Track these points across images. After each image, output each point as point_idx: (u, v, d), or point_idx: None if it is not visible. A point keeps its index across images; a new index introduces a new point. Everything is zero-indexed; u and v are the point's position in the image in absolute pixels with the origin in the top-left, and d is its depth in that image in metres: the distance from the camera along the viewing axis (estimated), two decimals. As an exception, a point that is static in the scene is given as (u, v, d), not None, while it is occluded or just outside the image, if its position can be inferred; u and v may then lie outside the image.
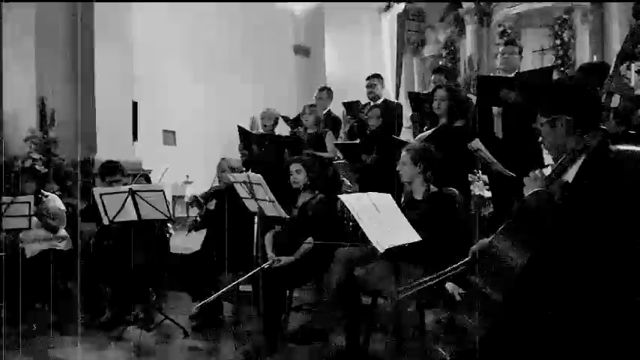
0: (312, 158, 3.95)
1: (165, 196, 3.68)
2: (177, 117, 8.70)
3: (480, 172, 4.95)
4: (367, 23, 8.95)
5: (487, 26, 8.44)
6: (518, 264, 1.97)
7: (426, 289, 2.37)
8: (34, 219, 4.17)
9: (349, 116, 5.77)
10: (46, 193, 4.54)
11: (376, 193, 2.60)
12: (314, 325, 3.71)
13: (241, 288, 3.64)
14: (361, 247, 3.18)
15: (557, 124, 2.03)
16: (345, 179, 5.26)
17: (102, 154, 5.87)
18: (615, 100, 3.55)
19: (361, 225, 2.34)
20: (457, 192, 3.06)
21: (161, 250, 4.40)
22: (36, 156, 5.61)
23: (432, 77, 5.46)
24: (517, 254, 1.99)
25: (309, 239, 3.49)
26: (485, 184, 5.00)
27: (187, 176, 8.61)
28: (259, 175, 3.36)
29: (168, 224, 4.49)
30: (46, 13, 6.07)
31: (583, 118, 2.01)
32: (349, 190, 4.96)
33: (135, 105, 6.92)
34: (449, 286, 2.52)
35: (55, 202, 4.50)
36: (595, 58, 6.65)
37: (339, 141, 5.43)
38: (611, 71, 3.78)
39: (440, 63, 8.92)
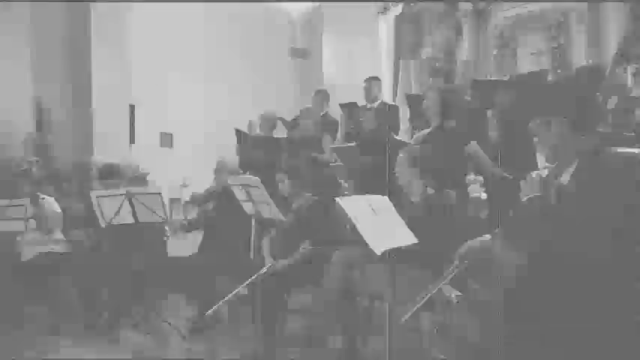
0: (297, 164, 3.97)
1: (162, 199, 3.68)
2: (175, 119, 8.69)
3: (474, 174, 4.96)
4: (364, 26, 8.96)
5: (484, 29, 8.48)
6: (514, 267, 1.97)
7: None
8: (31, 222, 4.16)
9: (347, 118, 5.77)
10: (42, 195, 4.53)
11: (373, 195, 2.60)
12: (311, 328, 3.71)
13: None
14: (358, 249, 3.18)
15: (553, 125, 2.02)
16: (342, 182, 5.26)
17: (99, 157, 5.86)
18: (612, 103, 3.56)
19: (358, 227, 2.34)
20: (454, 194, 3.07)
21: (158, 252, 4.39)
22: (32, 158, 5.60)
23: (430, 80, 5.48)
24: (514, 258, 1.99)
25: (306, 242, 3.49)
26: (481, 186, 5.01)
27: (184, 179, 8.59)
28: (256, 177, 3.36)
29: (166, 227, 4.49)
30: (42, 14, 6.06)
31: (579, 119, 2.01)
32: (346, 193, 4.96)
33: (132, 107, 6.90)
34: (445, 289, 2.52)
35: (51, 204, 4.49)
36: (591, 61, 6.67)
37: (336, 144, 5.43)
38: (607, 74, 3.79)
39: (437, 65, 8.96)
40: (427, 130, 4.14)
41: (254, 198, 3.36)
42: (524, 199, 2.02)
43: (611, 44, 5.83)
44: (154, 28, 8.11)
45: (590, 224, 1.84)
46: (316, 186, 3.80)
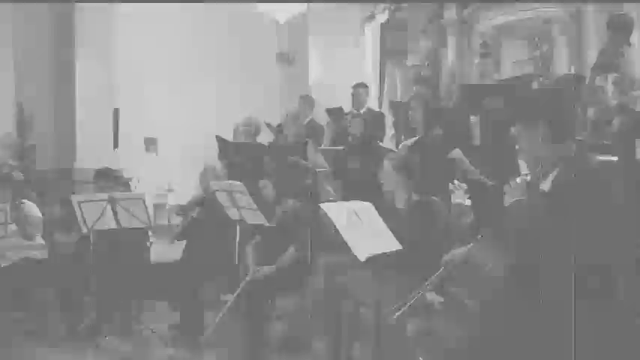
0: (282, 170, 3.98)
1: (145, 204, 3.65)
2: (160, 124, 8.63)
3: (458, 181, 5.01)
4: (351, 32, 9.02)
5: (468, 36, 8.60)
6: (496, 273, 1.99)
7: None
8: (10, 227, 4.09)
9: (333, 123, 5.80)
10: (22, 200, 4.46)
11: (358, 201, 2.62)
12: (296, 333, 3.70)
13: (223, 297, 3.62)
14: (342, 255, 3.18)
15: (535, 131, 2.04)
16: (328, 187, 5.26)
17: (82, 162, 5.79)
18: (591, 112, 3.63)
19: (342, 233, 2.35)
20: (438, 200, 3.09)
21: (141, 258, 4.34)
22: (13, 163, 5.51)
23: (414, 88, 5.54)
24: (496, 263, 2.02)
25: (290, 248, 3.49)
26: (465, 192, 5.06)
27: (169, 184, 8.52)
28: (240, 182, 3.35)
29: (149, 232, 4.44)
30: (25, 16, 5.99)
31: (559, 126, 2.04)
32: (332, 199, 4.96)
33: (116, 112, 6.84)
34: (428, 295, 2.54)
35: (31, 209, 4.42)
36: (573, 70, 6.79)
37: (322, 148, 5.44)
38: (586, 83, 3.87)
39: (422, 72, 9.05)
40: (412, 140, 4.17)
41: (238, 204, 3.35)
42: (509, 202, 2.04)
43: (592, 54, 5.95)
44: (139, 31, 8.06)
45: (569, 229, 1.86)
46: (300, 191, 3.80)
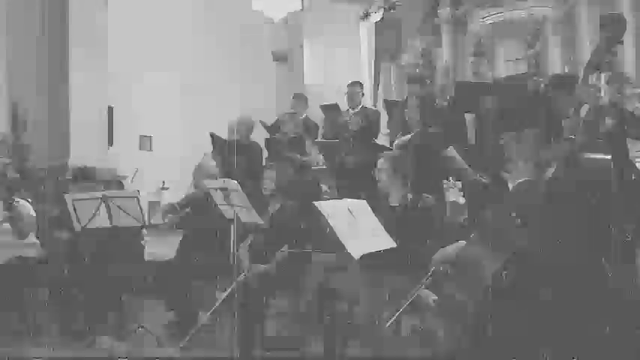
0: (284, 163, 3.97)
1: (139, 203, 3.64)
2: (154, 122, 8.61)
3: (453, 179, 5.02)
4: (346, 31, 9.03)
5: (463, 35, 8.64)
6: (490, 270, 2.00)
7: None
8: (3, 225, 4.07)
9: (328, 120, 5.80)
10: (16, 198, 4.43)
11: (352, 199, 2.62)
12: (290, 332, 3.70)
13: (216, 295, 3.62)
14: (337, 253, 3.19)
15: (524, 138, 2.05)
16: (323, 185, 5.27)
17: (76, 160, 5.76)
18: (584, 111, 3.64)
19: (336, 231, 2.35)
20: (433, 198, 3.11)
21: (135, 256, 4.33)
22: (7, 161, 5.47)
23: (408, 87, 5.55)
24: (490, 260, 2.03)
25: (284, 247, 3.49)
26: (459, 190, 5.07)
27: (163, 182, 8.51)
28: (235, 181, 3.35)
29: (143, 231, 4.43)
30: (19, 14, 5.95)
31: (549, 128, 2.05)
32: (326, 197, 4.97)
33: (110, 110, 6.81)
34: (422, 293, 2.55)
35: (25, 208, 4.39)
36: (566, 69, 6.83)
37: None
38: (579, 82, 3.87)
39: (417, 71, 9.07)
40: (408, 137, 4.18)
41: (233, 202, 3.34)
42: (516, 183, 2.04)
43: (585, 52, 5.98)
44: (133, 28, 8.04)
45: (564, 227, 1.88)
46: (296, 189, 3.80)
